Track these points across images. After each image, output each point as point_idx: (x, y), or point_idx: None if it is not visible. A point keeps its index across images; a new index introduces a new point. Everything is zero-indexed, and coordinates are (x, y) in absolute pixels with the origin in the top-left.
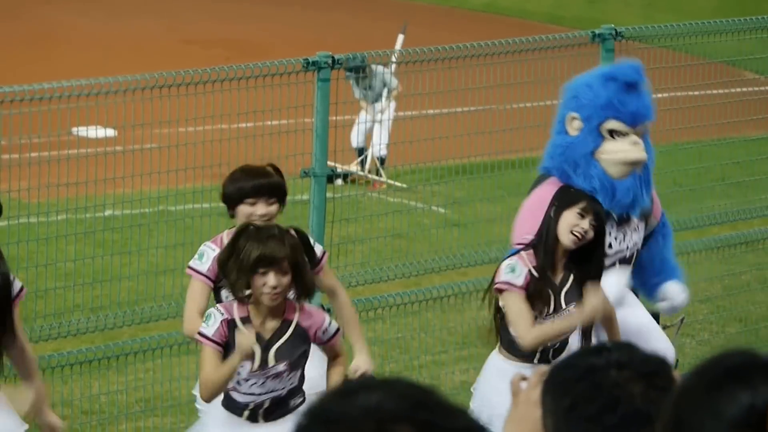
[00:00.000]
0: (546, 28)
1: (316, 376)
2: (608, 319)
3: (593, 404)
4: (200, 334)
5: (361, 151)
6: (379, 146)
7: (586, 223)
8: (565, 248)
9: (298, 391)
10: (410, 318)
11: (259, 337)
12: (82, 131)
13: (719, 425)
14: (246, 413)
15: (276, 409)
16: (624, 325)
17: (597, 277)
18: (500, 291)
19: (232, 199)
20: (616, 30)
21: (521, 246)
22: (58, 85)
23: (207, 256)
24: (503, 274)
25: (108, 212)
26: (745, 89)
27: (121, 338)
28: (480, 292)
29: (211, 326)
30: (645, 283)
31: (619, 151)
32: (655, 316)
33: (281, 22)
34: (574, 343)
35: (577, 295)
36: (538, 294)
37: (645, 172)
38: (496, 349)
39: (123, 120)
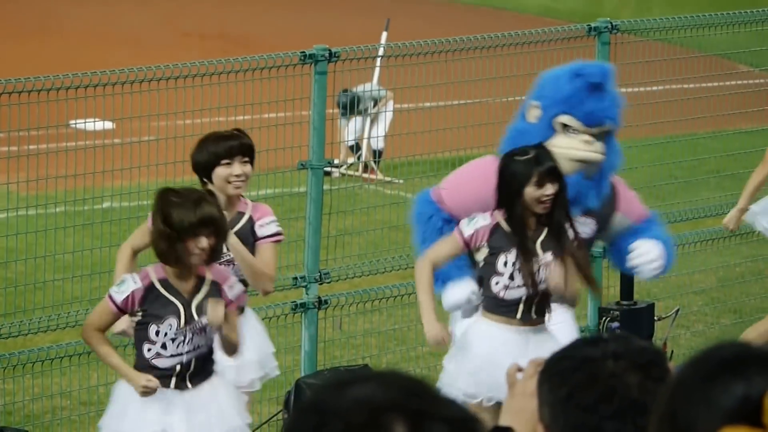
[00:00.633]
0: (542, 21)
1: (254, 359)
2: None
3: (590, 394)
4: (109, 296)
5: (354, 148)
6: (376, 139)
7: (548, 188)
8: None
9: (213, 351)
10: (407, 309)
11: (179, 295)
12: (80, 124)
13: (714, 416)
14: (173, 380)
15: (200, 371)
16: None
17: (567, 219)
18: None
19: (207, 165)
20: (611, 23)
21: (444, 191)
22: (56, 77)
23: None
24: (463, 222)
25: (106, 204)
26: (739, 82)
27: None
28: None
29: (122, 292)
30: (621, 261)
31: (569, 148)
32: (634, 301)
33: (278, 15)
34: (567, 335)
35: (552, 242)
36: (523, 248)
37: (599, 173)
38: None
39: (121, 112)
